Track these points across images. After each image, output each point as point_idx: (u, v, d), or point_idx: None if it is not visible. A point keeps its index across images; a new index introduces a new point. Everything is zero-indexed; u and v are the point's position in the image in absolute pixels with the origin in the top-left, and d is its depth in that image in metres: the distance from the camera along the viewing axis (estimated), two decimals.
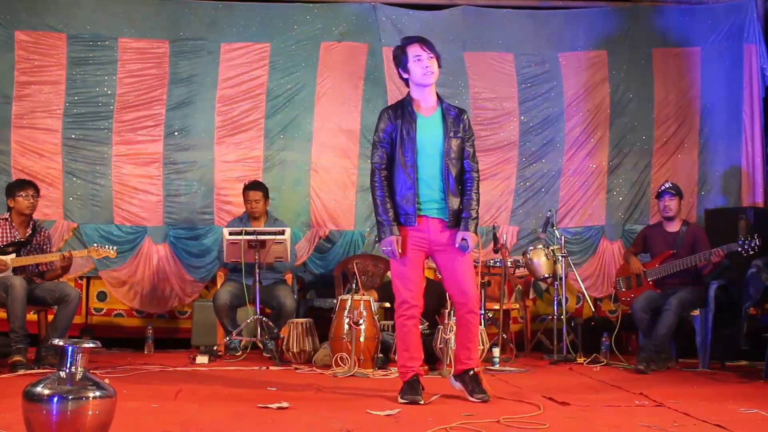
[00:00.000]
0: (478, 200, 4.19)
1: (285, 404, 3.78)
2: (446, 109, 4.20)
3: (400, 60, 4.17)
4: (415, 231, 4.11)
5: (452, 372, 4.32)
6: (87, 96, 7.23)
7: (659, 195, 6.27)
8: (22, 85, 7.15)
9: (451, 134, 4.12)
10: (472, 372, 4.14)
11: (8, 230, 5.66)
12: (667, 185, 6.27)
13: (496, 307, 6.52)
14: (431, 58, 4.11)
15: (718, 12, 7.70)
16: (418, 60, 4.10)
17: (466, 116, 4.23)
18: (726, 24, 7.66)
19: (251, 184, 6.69)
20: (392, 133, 4.13)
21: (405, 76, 4.20)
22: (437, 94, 4.26)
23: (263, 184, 6.72)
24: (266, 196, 6.65)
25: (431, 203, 4.12)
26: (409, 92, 4.25)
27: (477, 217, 4.16)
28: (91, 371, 2.83)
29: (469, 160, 4.19)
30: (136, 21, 7.33)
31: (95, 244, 6.08)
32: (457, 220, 4.14)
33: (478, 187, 4.20)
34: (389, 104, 7.34)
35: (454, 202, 4.12)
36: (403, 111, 4.16)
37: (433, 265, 5.40)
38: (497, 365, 5.72)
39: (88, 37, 7.24)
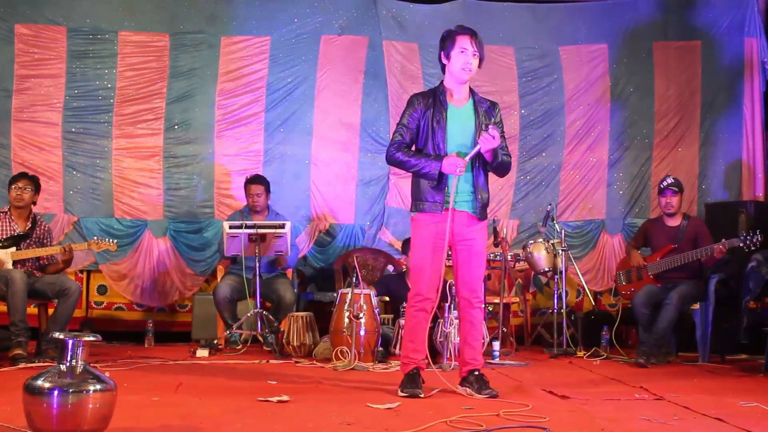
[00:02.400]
0: (506, 161, 4.14)
1: (285, 398, 3.79)
2: (478, 102, 4.18)
3: (446, 45, 4.12)
4: (440, 222, 4.06)
5: (459, 375, 4.24)
6: (87, 89, 7.22)
7: (661, 191, 6.23)
8: (22, 78, 7.13)
9: (482, 127, 4.09)
10: (477, 372, 4.13)
11: (8, 223, 5.66)
12: (669, 181, 6.23)
13: (497, 300, 6.52)
14: (475, 55, 4.08)
15: (718, 5, 7.69)
16: (463, 53, 4.07)
17: (497, 110, 4.22)
18: (727, 17, 7.64)
19: (253, 178, 6.67)
20: (419, 120, 4.12)
21: (444, 62, 4.15)
22: (470, 88, 4.23)
23: (265, 178, 6.70)
24: (268, 190, 6.63)
25: (460, 195, 4.08)
26: (442, 81, 4.21)
27: (501, 155, 4.09)
28: (91, 364, 2.84)
29: (503, 152, 4.17)
30: (136, 14, 7.31)
31: (95, 237, 6.09)
32: (485, 212, 4.14)
33: (508, 161, 4.18)
34: (390, 98, 7.47)
35: (483, 196, 4.12)
36: (435, 99, 4.13)
37: None
38: (497, 359, 5.73)
39: (88, 30, 7.22)
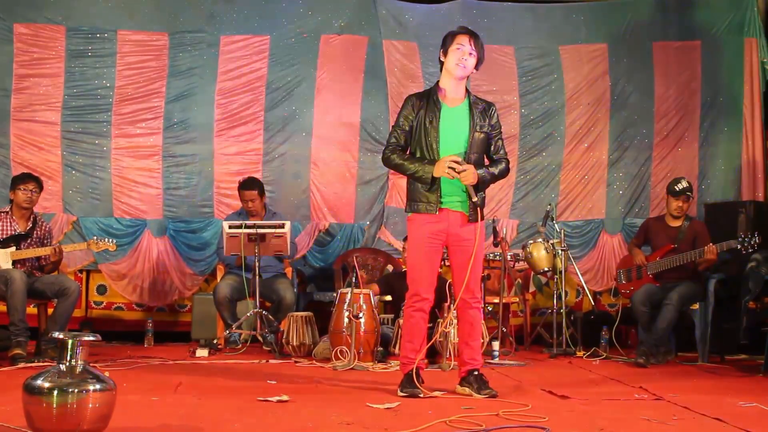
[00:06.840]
0: (499, 173, 4.15)
1: (285, 397, 3.79)
2: (473, 103, 4.16)
3: (445, 43, 4.15)
4: (435, 222, 4.07)
5: (458, 374, 4.24)
6: (86, 89, 7.20)
7: (675, 193, 6.14)
8: (21, 77, 7.12)
9: (477, 128, 4.09)
10: (476, 372, 4.13)
11: (9, 223, 5.66)
12: (684, 185, 6.15)
13: (496, 300, 6.52)
14: (471, 54, 4.07)
15: (718, 5, 7.69)
16: (458, 49, 4.07)
17: (494, 110, 4.20)
18: (726, 17, 7.65)
19: (244, 184, 6.57)
20: (413, 121, 4.12)
21: (442, 59, 4.16)
22: (466, 88, 4.22)
23: (257, 182, 6.64)
24: (261, 193, 6.57)
25: (453, 196, 4.08)
26: (438, 80, 4.21)
27: (489, 177, 4.09)
28: (91, 364, 2.83)
29: (499, 154, 4.20)
30: (135, 13, 7.30)
31: (95, 237, 6.09)
32: (479, 213, 4.12)
33: (503, 169, 4.17)
34: (390, 97, 7.46)
35: (477, 196, 4.11)
36: (429, 99, 4.13)
37: None
38: (497, 359, 5.73)
39: (87, 29, 7.21)
